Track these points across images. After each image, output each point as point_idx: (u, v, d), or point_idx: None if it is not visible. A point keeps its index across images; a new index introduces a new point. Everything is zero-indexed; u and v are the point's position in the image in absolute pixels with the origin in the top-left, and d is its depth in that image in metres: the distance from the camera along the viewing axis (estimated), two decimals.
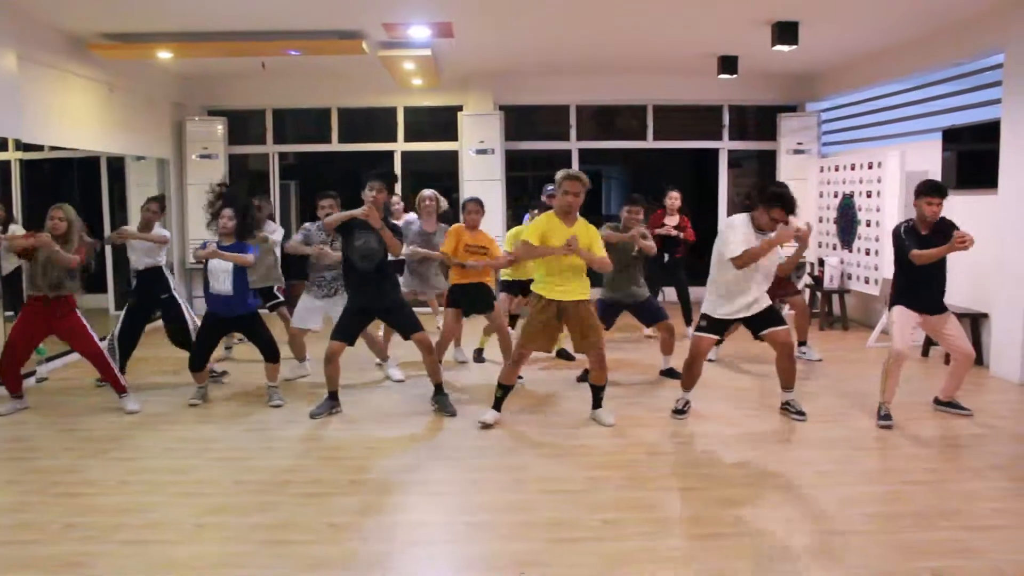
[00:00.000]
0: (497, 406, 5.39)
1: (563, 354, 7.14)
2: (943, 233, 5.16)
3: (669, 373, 6.61)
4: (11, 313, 6.14)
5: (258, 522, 3.82)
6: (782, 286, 6.80)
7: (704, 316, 5.40)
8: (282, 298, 7.32)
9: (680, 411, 5.52)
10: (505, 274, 7.16)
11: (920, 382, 6.30)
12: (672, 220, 8.16)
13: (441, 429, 5.28)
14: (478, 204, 6.38)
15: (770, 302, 5.36)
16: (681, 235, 8.10)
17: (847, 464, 4.60)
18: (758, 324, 5.33)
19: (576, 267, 5.16)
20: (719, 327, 5.43)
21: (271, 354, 5.91)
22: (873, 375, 6.54)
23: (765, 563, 3.38)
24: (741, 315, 5.31)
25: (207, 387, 6.01)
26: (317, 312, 6.39)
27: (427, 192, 6.95)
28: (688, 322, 8.33)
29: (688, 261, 8.56)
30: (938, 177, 7.42)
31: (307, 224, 6.43)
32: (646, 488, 4.24)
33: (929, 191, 5.28)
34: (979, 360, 6.91)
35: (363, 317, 5.66)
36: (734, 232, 5.15)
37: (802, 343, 7.28)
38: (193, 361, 5.82)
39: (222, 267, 5.63)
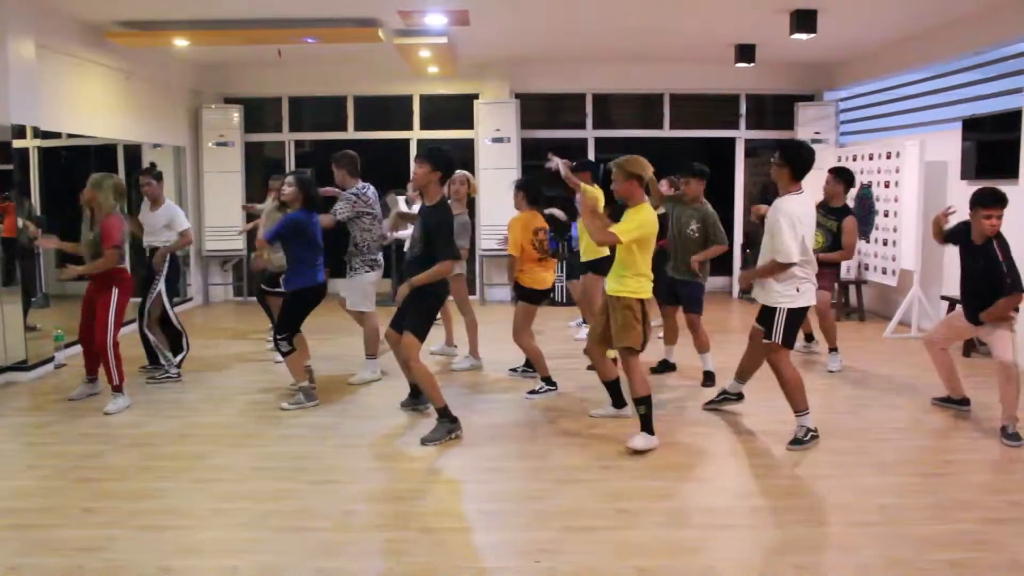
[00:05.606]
0: (648, 427, 4.67)
1: (665, 366, 6.45)
2: (993, 243, 4.72)
3: (664, 365, 6.38)
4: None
5: (274, 508, 3.84)
6: None
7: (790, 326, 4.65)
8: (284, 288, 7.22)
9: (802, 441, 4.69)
10: (585, 255, 6.68)
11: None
12: None
13: (460, 418, 5.26)
14: (516, 187, 6.12)
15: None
16: None
17: (863, 455, 4.57)
18: None
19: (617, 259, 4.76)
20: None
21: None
22: (889, 365, 6.52)
23: (780, 554, 3.37)
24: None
25: (308, 387, 5.56)
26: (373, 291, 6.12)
27: (459, 174, 6.32)
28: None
29: None
30: (957, 167, 7.35)
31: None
32: (661, 478, 4.23)
33: (987, 201, 4.65)
34: None
35: None
36: None
37: (808, 337, 7.10)
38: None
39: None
